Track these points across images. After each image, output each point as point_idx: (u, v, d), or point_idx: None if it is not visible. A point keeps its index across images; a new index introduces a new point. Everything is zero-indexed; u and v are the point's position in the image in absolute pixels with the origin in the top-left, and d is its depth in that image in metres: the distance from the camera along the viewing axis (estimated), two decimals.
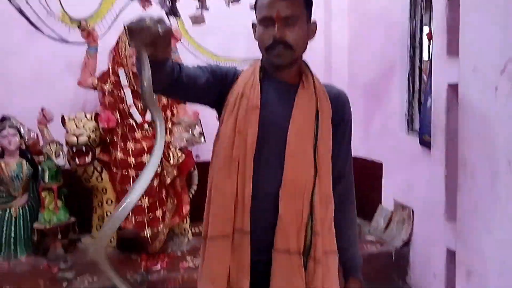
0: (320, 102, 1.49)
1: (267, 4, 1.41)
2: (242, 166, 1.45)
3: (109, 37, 3.68)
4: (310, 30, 1.51)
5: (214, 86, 1.50)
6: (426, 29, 3.56)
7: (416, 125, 3.68)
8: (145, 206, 3.33)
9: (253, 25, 1.52)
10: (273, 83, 1.50)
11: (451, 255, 2.48)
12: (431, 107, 3.22)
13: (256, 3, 1.48)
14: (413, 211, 3.59)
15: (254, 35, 1.51)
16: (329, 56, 4.50)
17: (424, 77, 3.59)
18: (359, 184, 4.14)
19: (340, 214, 1.56)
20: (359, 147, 4.29)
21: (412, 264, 3.60)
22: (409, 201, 3.66)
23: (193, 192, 3.84)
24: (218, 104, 1.54)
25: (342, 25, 4.44)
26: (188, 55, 4.05)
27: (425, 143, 3.32)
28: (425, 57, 3.59)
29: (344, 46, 4.46)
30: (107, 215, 3.56)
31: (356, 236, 1.61)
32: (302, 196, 1.43)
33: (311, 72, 1.55)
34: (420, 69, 3.62)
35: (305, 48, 1.50)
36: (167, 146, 3.47)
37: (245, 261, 1.44)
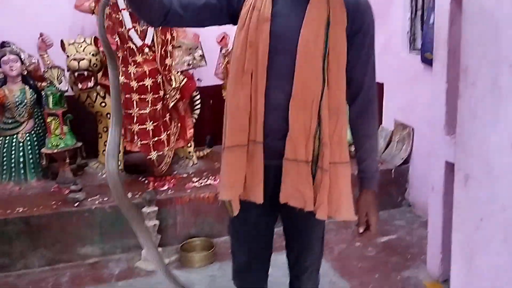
0: (333, 11, 1.44)
1: None
2: (255, 78, 1.48)
3: None
4: None
5: (219, 4, 1.49)
6: None
7: (418, 44, 3.66)
8: (150, 130, 3.38)
9: None
10: None
11: (449, 168, 2.57)
12: (434, 23, 3.21)
13: None
14: (413, 130, 3.65)
15: None
16: None
17: None
18: None
19: (358, 126, 1.58)
20: None
21: (411, 180, 3.71)
22: (410, 120, 3.71)
23: (196, 116, 3.87)
24: (234, 20, 1.54)
25: None
26: None
27: (427, 61, 3.31)
28: None
29: None
30: None
31: (373, 149, 1.59)
32: (311, 107, 1.44)
33: None
34: None
35: None
36: (168, 69, 3.47)
37: (259, 168, 1.52)
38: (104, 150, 3.65)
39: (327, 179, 1.48)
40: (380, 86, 4.01)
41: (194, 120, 3.83)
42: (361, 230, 1.59)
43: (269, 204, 1.58)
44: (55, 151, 3.38)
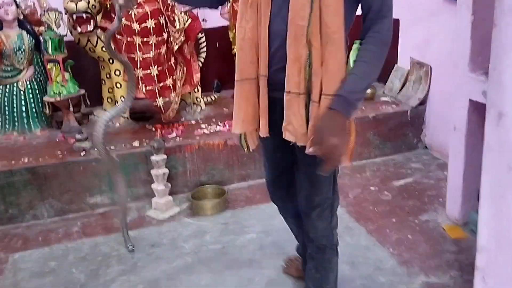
0: None
1: None
2: (259, 9, 1.51)
3: None
4: None
5: None
6: None
7: None
8: (154, 75, 3.23)
9: None
10: None
11: (473, 106, 2.42)
12: None
13: None
14: (431, 68, 3.47)
15: None
16: None
17: None
18: None
19: (360, 52, 1.46)
20: None
21: (428, 122, 3.57)
22: (427, 58, 3.52)
23: (202, 60, 3.71)
24: None
25: None
26: None
27: None
28: None
29: None
30: (116, 86, 3.49)
31: (361, 72, 1.43)
32: (301, 34, 1.41)
33: None
34: None
35: None
36: (171, 9, 3.27)
37: (263, 101, 1.57)
38: (109, 98, 3.56)
39: (315, 109, 1.44)
40: (396, 22, 3.79)
41: (200, 64, 3.67)
42: (308, 150, 1.42)
43: (279, 138, 1.57)
44: (58, 99, 3.26)
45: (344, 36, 1.44)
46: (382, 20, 1.43)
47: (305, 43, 1.40)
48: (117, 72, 3.45)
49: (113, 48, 1.60)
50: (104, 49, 3.36)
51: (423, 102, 3.54)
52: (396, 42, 3.84)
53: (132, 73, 1.82)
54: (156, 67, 3.23)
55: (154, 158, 2.89)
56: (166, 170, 2.94)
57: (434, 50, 3.42)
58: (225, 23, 3.79)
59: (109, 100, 3.64)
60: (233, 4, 3.62)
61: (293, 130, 1.50)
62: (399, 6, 3.75)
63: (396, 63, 3.88)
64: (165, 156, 2.93)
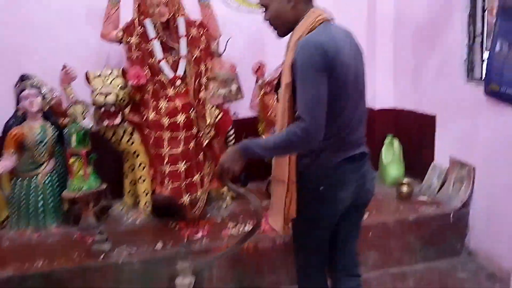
0: (287, 52, 1.79)
1: None
2: None
3: None
4: (285, 2, 1.77)
5: None
6: None
7: (477, 73, 3.29)
8: (182, 171, 3.05)
9: None
10: None
11: None
12: (500, 51, 2.86)
13: None
14: (474, 169, 3.25)
15: None
16: None
17: (488, 17, 3.16)
18: (408, 139, 3.93)
19: None
20: (407, 98, 3.96)
21: (472, 226, 3.30)
22: (469, 157, 3.31)
23: None
24: None
25: None
26: (218, 3, 3.67)
27: (492, 93, 2.95)
28: None
29: None
30: (139, 180, 3.30)
31: (269, 141, 1.78)
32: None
33: (295, 29, 1.78)
34: (483, 8, 3.19)
35: (289, 19, 1.79)
36: (202, 103, 3.16)
37: None
38: (130, 191, 3.37)
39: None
40: (432, 118, 3.65)
41: None
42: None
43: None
44: (78, 195, 3.06)
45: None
46: (299, 112, 1.69)
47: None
48: (142, 166, 3.27)
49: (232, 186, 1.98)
50: (130, 142, 3.21)
51: (466, 204, 3.29)
52: (432, 139, 3.68)
53: (257, 203, 1.96)
54: (184, 162, 3.06)
55: (180, 265, 2.62)
56: (192, 279, 2.66)
57: (477, 149, 3.22)
58: (254, 114, 3.67)
59: (130, 193, 3.44)
60: (264, 96, 3.52)
61: None
62: (435, 101, 3.68)
63: (433, 161, 3.68)
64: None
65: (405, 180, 3.65)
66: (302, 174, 1.85)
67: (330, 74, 1.66)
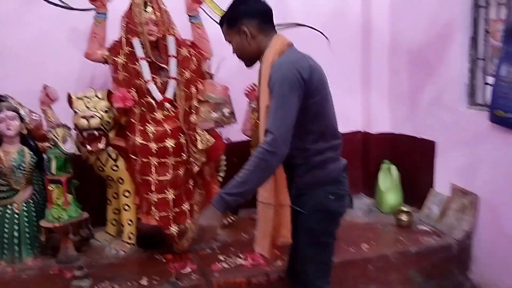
0: (260, 75, 1.91)
1: None
2: None
3: (120, 1, 3.14)
4: (244, 37, 1.91)
5: None
6: None
7: (479, 98, 3.17)
8: (170, 199, 2.85)
9: None
10: None
11: None
12: (507, 76, 2.75)
13: None
14: (477, 198, 3.10)
15: None
16: (367, 13, 3.94)
17: (492, 40, 3.05)
18: (406, 165, 3.78)
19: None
20: (404, 123, 3.83)
21: (476, 258, 3.13)
22: (472, 185, 3.16)
23: (220, 179, 3.34)
24: None
25: None
26: (210, 22, 3.51)
27: (499, 119, 2.82)
28: (492, 16, 3.04)
29: (384, 5, 3.87)
30: (124, 208, 3.09)
31: (240, 181, 1.75)
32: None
33: (264, 56, 1.89)
34: (486, 31, 3.08)
35: (252, 51, 1.93)
36: (193, 128, 2.97)
37: None
38: (114, 219, 3.16)
39: None
40: (431, 144, 3.51)
41: (219, 183, 3.30)
42: None
43: None
44: (57, 224, 2.84)
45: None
46: (268, 126, 1.75)
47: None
48: (126, 194, 3.06)
49: None
50: (114, 168, 3.00)
51: (469, 235, 3.14)
52: (431, 165, 3.53)
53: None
54: (172, 190, 2.86)
55: None
56: None
57: (481, 177, 3.08)
58: (246, 138, 3.49)
59: (114, 222, 3.23)
60: (257, 121, 3.35)
61: None
62: (435, 126, 3.55)
63: (432, 187, 3.53)
64: None
65: (404, 208, 3.49)
66: (309, 188, 1.95)
67: (308, 91, 1.79)
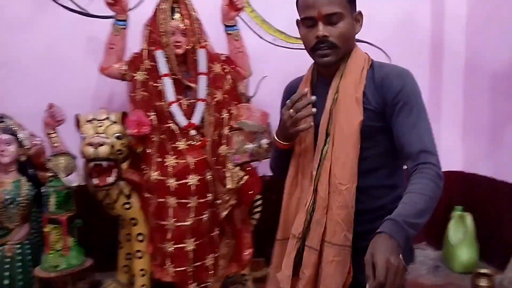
0: (341, 88, 1.42)
1: (308, 4, 1.38)
2: None
3: (144, 7, 2.73)
4: (357, 22, 1.43)
5: None
6: None
7: None
8: (189, 250, 2.35)
9: (297, 22, 1.46)
10: (324, 83, 1.47)
11: None
12: None
13: (297, 2, 1.44)
14: None
15: (299, 32, 1.46)
16: (439, 28, 3.39)
17: None
18: (483, 214, 3.10)
19: (408, 186, 1.28)
20: (481, 162, 3.21)
21: None
22: None
23: (254, 223, 2.77)
24: None
25: None
26: (250, 34, 3.03)
27: None
28: None
29: (460, 18, 3.33)
30: (136, 255, 2.57)
31: (416, 200, 1.23)
32: (311, 181, 1.42)
33: (347, 61, 1.44)
34: None
35: (352, 43, 1.45)
36: (223, 162, 2.46)
37: None
38: (125, 266, 2.66)
39: (312, 257, 1.39)
40: None
41: (252, 228, 2.73)
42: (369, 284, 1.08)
43: None
44: (53, 274, 2.35)
45: (354, 187, 1.37)
46: (421, 154, 1.30)
47: (312, 189, 1.41)
48: (140, 237, 2.55)
49: None
50: (126, 206, 2.50)
51: None
52: None
53: None
54: (193, 239, 2.36)
55: None
56: None
57: None
58: None
59: (125, 269, 2.71)
60: None
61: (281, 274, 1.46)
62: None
63: None
64: None
65: (482, 269, 2.82)
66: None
67: None
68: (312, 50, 1.41)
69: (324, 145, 1.39)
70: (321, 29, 1.36)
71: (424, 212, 1.22)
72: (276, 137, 1.49)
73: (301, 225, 1.41)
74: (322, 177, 1.39)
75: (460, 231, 3.13)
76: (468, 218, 3.13)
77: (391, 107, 1.36)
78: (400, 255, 1.13)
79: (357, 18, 1.43)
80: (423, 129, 1.34)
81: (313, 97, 1.36)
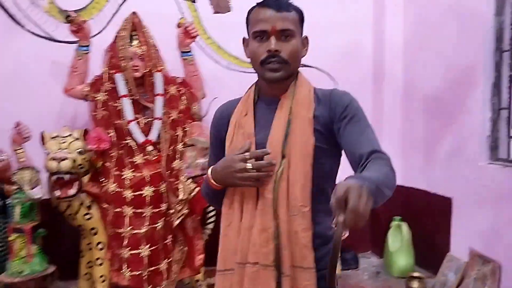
0: (294, 108, 1.39)
1: (261, 18, 1.37)
2: None
3: (106, 34, 2.95)
4: (303, 46, 1.43)
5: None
6: None
7: (502, 153, 2.82)
8: (144, 256, 2.52)
9: (244, 40, 1.46)
10: (267, 103, 1.44)
11: None
12: None
13: (248, 16, 1.42)
14: (500, 267, 2.69)
15: (245, 50, 1.45)
16: (380, 60, 3.69)
17: None
18: (419, 224, 3.37)
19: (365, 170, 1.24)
20: (418, 177, 3.47)
21: None
22: (493, 251, 2.76)
23: (208, 232, 2.98)
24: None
25: (397, 19, 3.62)
26: (206, 60, 3.27)
27: None
28: None
29: (398, 46, 3.63)
30: (96, 262, 2.73)
31: (379, 173, 1.18)
32: (270, 205, 1.34)
33: (296, 81, 1.44)
34: (510, 77, 2.75)
35: (299, 64, 1.43)
36: (176, 175, 2.67)
37: None
38: (86, 274, 2.82)
39: (287, 283, 1.32)
40: (447, 201, 3.13)
41: (206, 237, 2.94)
42: (340, 219, 1.00)
43: None
44: (16, 279, 2.51)
45: (311, 205, 1.34)
46: (374, 152, 1.27)
47: (270, 217, 1.33)
48: (100, 246, 2.72)
49: None
50: (87, 217, 2.68)
51: None
52: (447, 225, 3.14)
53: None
54: (148, 246, 2.54)
55: None
56: None
57: (504, 243, 2.68)
58: None
59: (87, 276, 2.87)
60: None
61: None
62: (452, 182, 3.15)
63: (449, 251, 3.12)
64: None
65: (416, 272, 3.09)
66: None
67: None
68: (261, 64, 1.37)
69: (280, 166, 1.33)
70: (274, 43, 1.34)
71: (384, 183, 1.14)
72: (210, 176, 1.39)
73: (270, 253, 1.32)
74: (281, 199, 1.33)
75: (398, 239, 3.39)
76: (404, 227, 3.40)
77: (339, 122, 1.36)
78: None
79: (304, 42, 1.43)
80: (371, 135, 1.34)
81: (274, 161, 1.31)
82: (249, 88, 1.49)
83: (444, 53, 3.17)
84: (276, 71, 1.36)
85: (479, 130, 2.88)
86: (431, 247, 3.30)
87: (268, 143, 1.35)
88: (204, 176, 2.66)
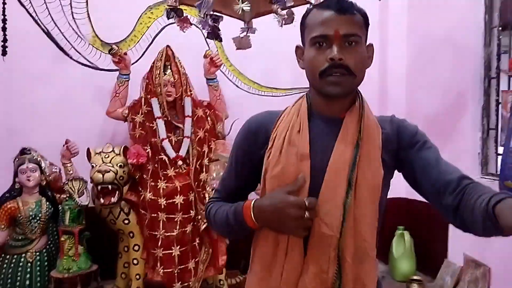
0: (364, 131, 1.19)
1: (322, 21, 1.14)
2: None
3: (142, 63, 3.36)
4: (369, 54, 1.24)
5: (253, 161, 1.28)
6: (504, 57, 3.05)
7: (491, 168, 3.15)
8: (176, 255, 2.90)
9: (298, 48, 1.25)
10: (323, 121, 1.22)
11: None
12: None
13: (304, 20, 1.22)
14: (489, 270, 3.02)
15: (298, 61, 1.25)
16: (384, 85, 4.05)
17: (503, 111, 3.06)
18: (420, 232, 3.72)
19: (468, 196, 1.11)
20: None
21: None
22: (484, 257, 3.08)
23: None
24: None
25: (400, 49, 4.00)
26: (228, 84, 3.68)
27: (508, 190, 2.78)
28: (504, 87, 3.07)
29: (401, 74, 4.00)
30: (133, 262, 3.14)
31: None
32: (328, 247, 1.12)
33: (361, 100, 1.25)
34: (497, 102, 3.10)
35: (364, 76, 1.20)
36: (203, 186, 3.05)
37: None
38: (123, 273, 3.19)
39: None
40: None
41: (228, 242, 3.32)
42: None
43: None
44: (66, 275, 2.91)
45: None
46: (464, 178, 1.16)
47: (333, 260, 1.12)
48: (136, 247, 3.13)
49: None
50: (125, 222, 3.09)
51: None
52: (445, 233, 3.46)
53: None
54: (178, 247, 2.92)
55: None
56: None
57: (493, 248, 3.00)
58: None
59: (123, 275, 3.27)
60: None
61: None
62: None
63: (446, 257, 3.45)
64: None
65: (416, 276, 3.41)
66: None
67: None
68: (321, 75, 1.14)
69: (347, 197, 1.13)
70: (337, 51, 1.12)
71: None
72: (254, 218, 1.17)
73: None
74: (348, 239, 1.12)
75: (401, 246, 3.72)
76: (407, 235, 3.74)
77: (409, 149, 1.22)
78: None
79: (369, 50, 1.23)
80: (446, 161, 1.22)
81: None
82: (297, 101, 1.27)
83: (441, 80, 3.53)
84: (338, 85, 1.14)
85: (471, 148, 3.22)
86: (431, 254, 3.61)
87: (328, 169, 1.15)
88: None
